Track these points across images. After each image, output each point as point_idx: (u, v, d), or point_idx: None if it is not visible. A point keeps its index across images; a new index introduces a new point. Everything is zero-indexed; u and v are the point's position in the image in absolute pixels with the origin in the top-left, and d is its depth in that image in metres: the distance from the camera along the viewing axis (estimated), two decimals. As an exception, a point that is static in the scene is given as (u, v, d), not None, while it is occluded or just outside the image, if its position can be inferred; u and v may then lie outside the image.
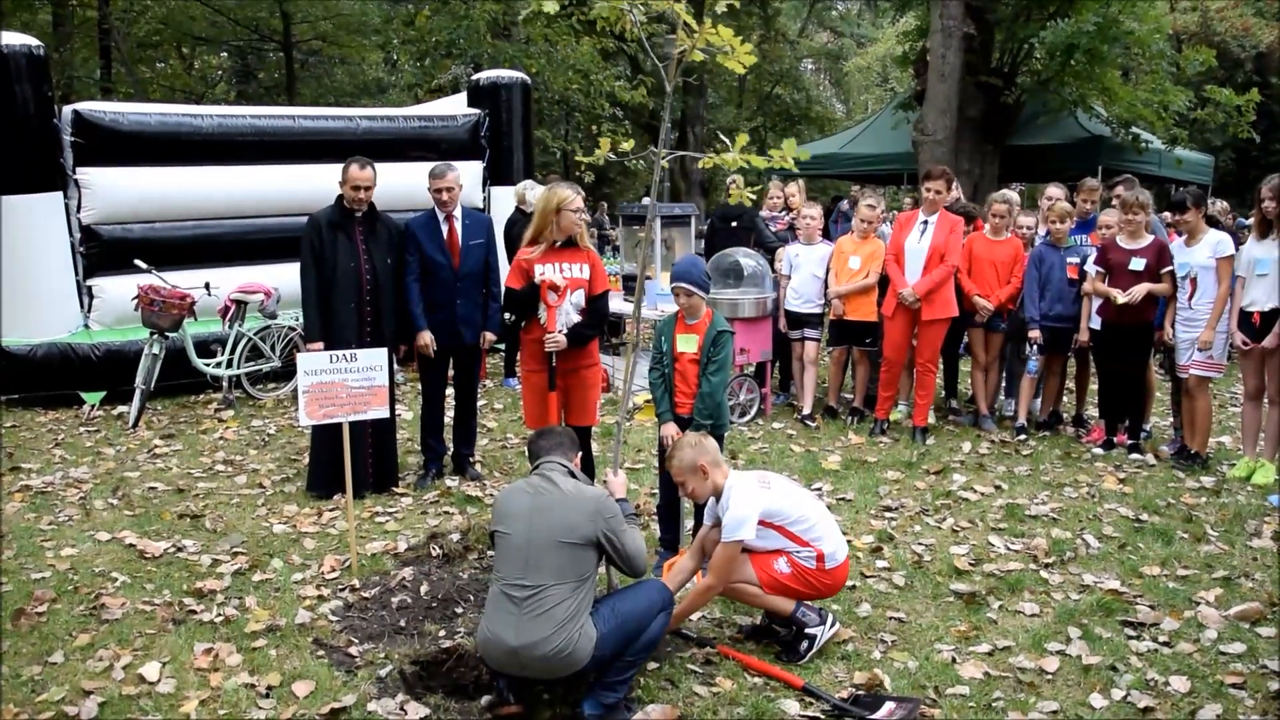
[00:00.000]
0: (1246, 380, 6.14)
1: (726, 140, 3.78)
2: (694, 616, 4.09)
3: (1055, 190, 7.57)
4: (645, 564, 3.60)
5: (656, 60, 4.57)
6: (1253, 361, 6.01)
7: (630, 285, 8.38)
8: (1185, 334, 6.22)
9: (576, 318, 4.90)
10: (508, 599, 3.26)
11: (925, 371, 6.93)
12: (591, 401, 5.05)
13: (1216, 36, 23.91)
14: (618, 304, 8.19)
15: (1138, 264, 6.30)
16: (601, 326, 5.15)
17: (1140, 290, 6.21)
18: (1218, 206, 9.61)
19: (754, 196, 4.15)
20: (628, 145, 4.03)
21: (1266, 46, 25.22)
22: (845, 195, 12.46)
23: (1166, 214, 7.38)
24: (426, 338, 5.73)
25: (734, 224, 8.97)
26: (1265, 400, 6.07)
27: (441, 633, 3.97)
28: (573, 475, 3.56)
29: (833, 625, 3.86)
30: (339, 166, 5.57)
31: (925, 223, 6.80)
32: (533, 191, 8.16)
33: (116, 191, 8.09)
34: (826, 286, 7.36)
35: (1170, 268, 6.25)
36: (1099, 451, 6.60)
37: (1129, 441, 6.61)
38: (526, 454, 3.84)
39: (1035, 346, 6.90)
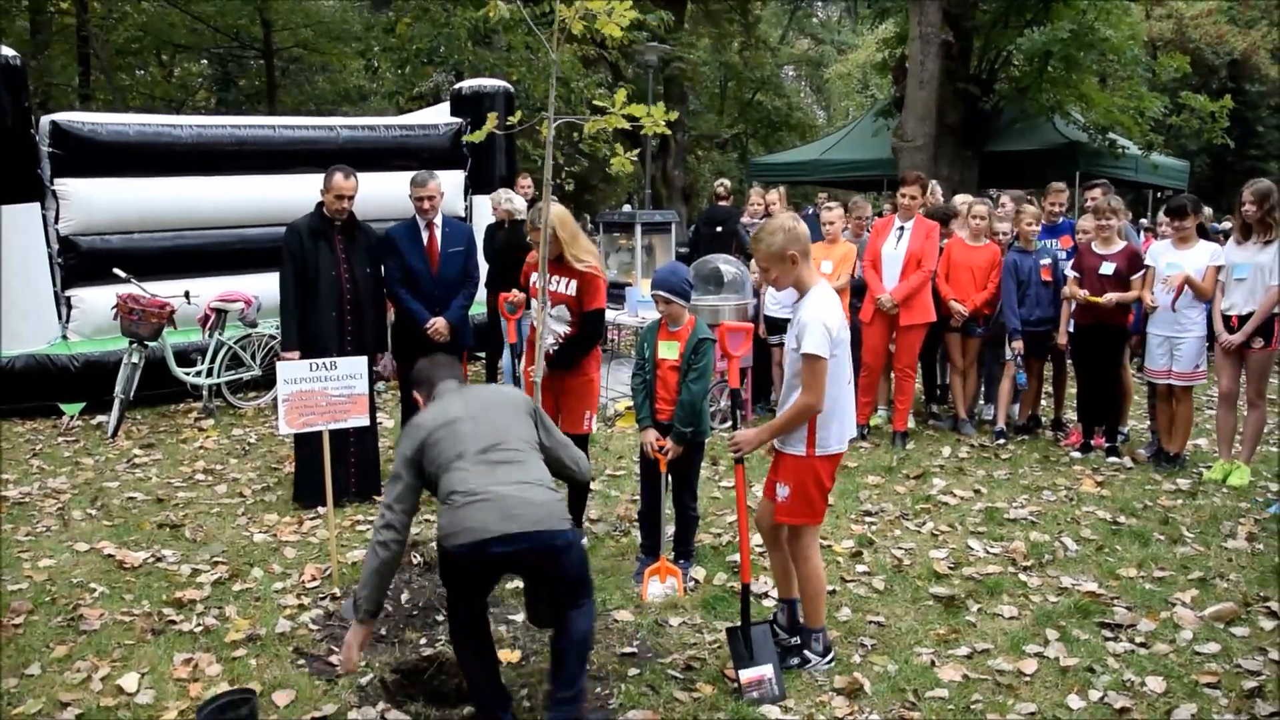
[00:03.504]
0: (1221, 383, 6.21)
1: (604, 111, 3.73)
2: (674, 622, 4.10)
3: (1008, 198, 7.76)
4: (589, 466, 3.64)
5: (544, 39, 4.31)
6: (1229, 364, 6.08)
7: (613, 293, 8.37)
8: (1158, 334, 6.27)
9: (561, 329, 4.90)
10: (479, 461, 3.14)
11: (904, 377, 6.98)
12: (581, 412, 5.03)
13: (1191, 43, 24.25)
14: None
15: (1107, 268, 6.39)
16: (585, 346, 5.04)
17: (1113, 298, 6.31)
18: (1203, 213, 9.73)
19: (635, 159, 4.10)
20: (516, 118, 4.01)
21: (1240, 53, 25.58)
22: (813, 203, 12.54)
23: (1143, 220, 7.47)
24: (441, 323, 5.73)
25: (719, 229, 8.98)
26: (1244, 403, 6.14)
27: (422, 640, 3.96)
28: None
29: (830, 662, 3.76)
30: (319, 176, 5.55)
31: (901, 228, 6.86)
32: (508, 201, 8.15)
33: (95, 202, 8.05)
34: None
35: (1141, 273, 6.33)
36: (1077, 455, 6.65)
37: (1106, 444, 6.67)
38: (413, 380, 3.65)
39: (1019, 357, 6.91)
